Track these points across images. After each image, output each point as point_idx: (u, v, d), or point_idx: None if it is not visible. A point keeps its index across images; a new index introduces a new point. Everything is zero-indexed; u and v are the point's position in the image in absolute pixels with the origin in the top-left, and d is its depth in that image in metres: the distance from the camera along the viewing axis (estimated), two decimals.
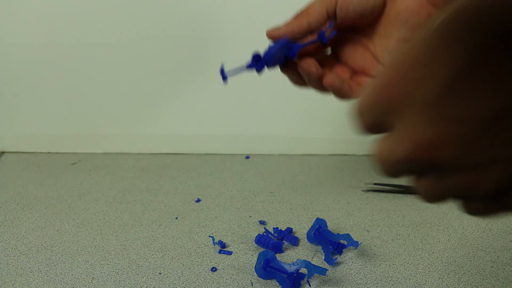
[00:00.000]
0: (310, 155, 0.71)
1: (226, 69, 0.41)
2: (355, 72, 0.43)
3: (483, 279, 0.44)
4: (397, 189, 0.60)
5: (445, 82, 0.18)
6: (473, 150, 0.19)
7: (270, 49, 0.40)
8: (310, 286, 0.44)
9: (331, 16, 0.40)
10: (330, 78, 0.40)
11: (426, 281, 0.44)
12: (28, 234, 0.53)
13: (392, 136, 0.21)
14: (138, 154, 0.74)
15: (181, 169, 0.68)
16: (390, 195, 0.60)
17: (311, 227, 0.50)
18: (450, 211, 0.56)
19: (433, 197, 0.22)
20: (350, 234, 0.48)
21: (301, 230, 0.53)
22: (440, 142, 0.19)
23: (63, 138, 0.74)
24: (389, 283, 0.44)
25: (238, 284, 0.44)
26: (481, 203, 0.21)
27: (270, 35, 0.41)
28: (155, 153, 0.74)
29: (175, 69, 0.69)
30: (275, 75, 0.68)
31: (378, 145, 0.23)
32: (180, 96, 0.70)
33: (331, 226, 0.53)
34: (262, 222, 0.55)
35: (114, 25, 0.66)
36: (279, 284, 0.44)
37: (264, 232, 0.51)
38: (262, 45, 0.42)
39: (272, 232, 0.52)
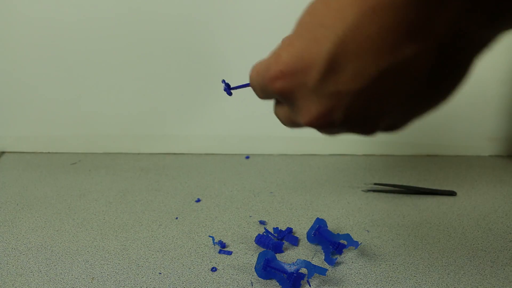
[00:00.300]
0: (310, 155, 0.71)
1: (228, 83, 0.41)
2: None
3: (483, 279, 0.44)
4: (397, 189, 0.60)
5: (320, 69, 0.24)
6: (356, 111, 0.25)
7: None
8: (310, 286, 0.44)
9: None
10: None
11: (426, 281, 0.44)
12: (28, 234, 0.53)
13: (291, 110, 0.28)
14: (138, 154, 0.74)
15: (181, 169, 0.68)
16: (390, 195, 0.60)
17: (311, 227, 0.50)
18: (450, 211, 0.56)
19: (332, 135, 0.29)
20: (350, 234, 0.48)
21: (301, 230, 0.53)
22: (330, 111, 0.25)
23: (63, 138, 0.74)
24: (389, 283, 0.44)
25: (238, 284, 0.44)
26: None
27: None
28: (155, 153, 0.74)
29: (175, 70, 0.69)
30: None
31: (279, 113, 0.30)
32: (180, 96, 0.70)
33: (331, 226, 0.53)
34: (262, 222, 0.55)
35: (114, 27, 0.66)
36: (279, 284, 0.44)
37: (264, 232, 0.51)
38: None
39: (272, 232, 0.52)
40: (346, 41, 0.23)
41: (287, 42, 0.25)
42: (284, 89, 0.26)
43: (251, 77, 0.30)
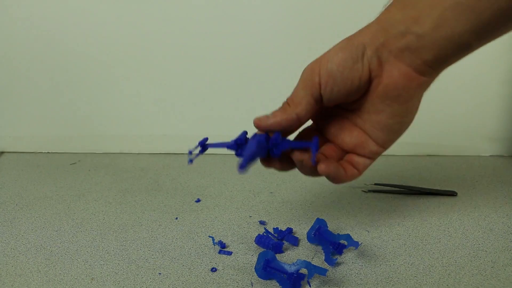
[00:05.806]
0: None
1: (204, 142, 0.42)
2: (344, 151, 0.44)
3: (484, 280, 0.44)
4: (397, 189, 0.60)
5: None
6: None
7: (250, 144, 0.39)
8: (310, 286, 0.43)
9: (317, 100, 0.39)
10: (324, 166, 0.40)
11: (426, 281, 0.44)
12: (27, 234, 0.53)
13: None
14: (138, 154, 0.74)
15: (181, 169, 0.68)
16: (390, 195, 0.60)
17: (311, 227, 0.49)
18: (450, 211, 0.56)
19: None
20: (350, 234, 0.48)
21: (301, 230, 0.53)
22: None
23: (63, 138, 0.74)
24: (389, 283, 0.44)
25: (238, 284, 0.44)
26: None
27: (257, 125, 0.41)
28: (155, 153, 0.74)
29: (175, 70, 0.69)
30: (274, 76, 0.68)
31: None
32: (180, 96, 0.70)
33: (331, 226, 0.53)
34: (262, 222, 0.54)
35: (115, 27, 0.66)
36: (279, 285, 0.43)
37: (264, 232, 0.51)
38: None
39: (272, 232, 0.52)
40: None
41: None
42: None
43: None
